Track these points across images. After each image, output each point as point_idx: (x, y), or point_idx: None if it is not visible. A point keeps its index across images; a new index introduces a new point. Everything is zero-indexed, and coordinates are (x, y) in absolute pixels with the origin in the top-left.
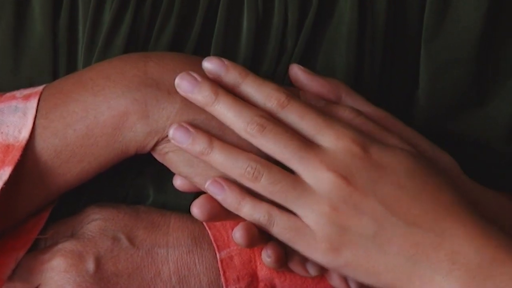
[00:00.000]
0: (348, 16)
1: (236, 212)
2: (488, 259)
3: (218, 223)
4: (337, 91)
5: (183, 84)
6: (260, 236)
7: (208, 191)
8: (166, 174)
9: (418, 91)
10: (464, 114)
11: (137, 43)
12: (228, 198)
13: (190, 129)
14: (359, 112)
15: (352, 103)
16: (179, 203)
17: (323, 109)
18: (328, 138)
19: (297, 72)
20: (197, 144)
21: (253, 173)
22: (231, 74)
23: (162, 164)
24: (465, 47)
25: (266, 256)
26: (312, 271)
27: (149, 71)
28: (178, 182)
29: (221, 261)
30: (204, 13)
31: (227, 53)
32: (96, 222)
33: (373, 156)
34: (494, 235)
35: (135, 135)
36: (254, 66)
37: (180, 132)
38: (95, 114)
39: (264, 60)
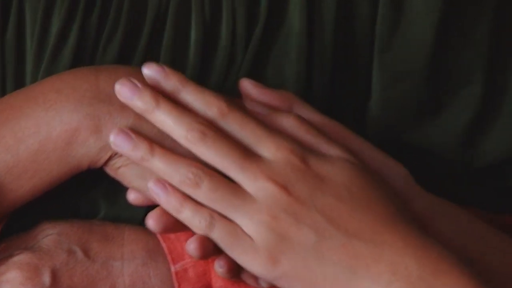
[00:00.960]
0: (297, 27)
1: (177, 216)
2: (429, 271)
3: (172, 236)
4: (288, 102)
5: (123, 90)
6: (213, 248)
7: (151, 192)
8: (118, 187)
9: (370, 102)
10: (418, 124)
11: (84, 56)
12: (171, 199)
13: (131, 134)
14: (302, 120)
15: (304, 114)
16: (132, 216)
17: (266, 117)
18: (268, 148)
19: (247, 86)
20: (138, 150)
21: (194, 180)
22: (170, 81)
23: (114, 178)
24: (418, 58)
25: (219, 267)
26: (264, 284)
27: (101, 85)
28: (132, 196)
29: (176, 273)
30: (152, 24)
31: (175, 64)
32: (51, 236)
33: (312, 167)
34: (435, 247)
35: (88, 150)
36: (203, 78)
37: (121, 137)
38: (47, 129)
39: (213, 71)
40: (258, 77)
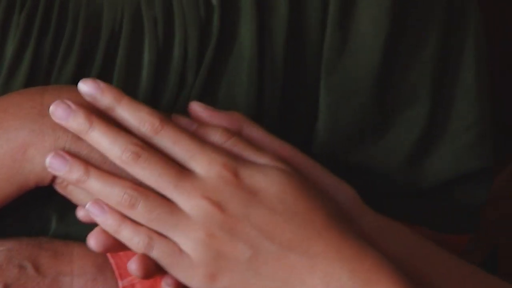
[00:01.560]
0: (248, 50)
1: (116, 236)
2: (361, 281)
3: (120, 252)
4: (238, 124)
5: (58, 111)
6: (155, 266)
7: (89, 213)
8: (68, 205)
9: (318, 123)
10: (365, 144)
11: (39, 77)
12: (108, 220)
13: (67, 157)
14: (230, 133)
15: (254, 134)
16: (81, 234)
17: (196, 132)
18: (200, 164)
19: (196, 109)
20: (73, 172)
21: (130, 201)
22: (106, 97)
23: (64, 196)
24: (364, 79)
25: (166, 284)
26: None
27: (45, 102)
28: (81, 214)
29: None
30: (106, 45)
31: (128, 85)
32: (2, 253)
33: (244, 181)
34: (369, 258)
35: (34, 167)
36: (155, 99)
37: (56, 160)
38: None
39: (165, 92)
40: (209, 98)
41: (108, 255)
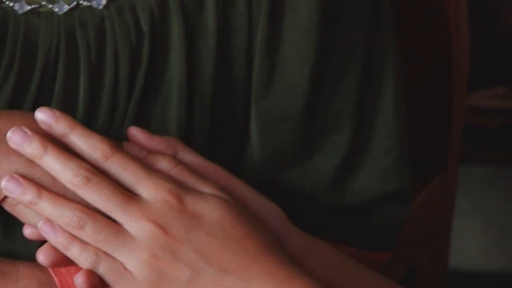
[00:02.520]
0: (178, 75)
1: (65, 253)
2: None
3: (63, 270)
4: (173, 148)
5: (14, 137)
6: (100, 281)
7: (40, 231)
8: (15, 222)
9: (248, 145)
10: (291, 167)
11: None
12: (59, 238)
13: (21, 180)
14: (176, 161)
15: (187, 158)
16: (26, 251)
17: (145, 159)
18: (147, 189)
19: (135, 134)
20: (27, 194)
21: (78, 222)
22: (60, 124)
23: (9, 213)
24: (292, 105)
25: None
26: None
27: None
28: (28, 231)
29: None
30: (43, 70)
31: (66, 108)
32: None
33: (188, 207)
34: (300, 281)
35: None
36: (90, 122)
37: (11, 183)
38: None
39: (99, 116)
40: (142, 121)
41: (52, 273)
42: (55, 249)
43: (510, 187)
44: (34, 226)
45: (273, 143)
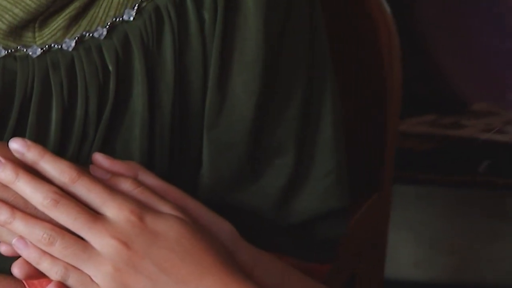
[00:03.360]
0: (140, 108)
1: (37, 267)
2: None
3: (36, 282)
4: (134, 171)
5: None
6: None
7: (14, 247)
8: None
9: (202, 169)
10: (240, 189)
11: None
12: (31, 254)
13: None
14: (137, 183)
15: (147, 180)
16: (1, 266)
17: (108, 181)
18: (111, 209)
19: (98, 159)
20: (1, 214)
21: (49, 239)
22: (31, 152)
23: None
24: (240, 133)
25: None
26: None
27: None
28: (3, 248)
29: None
30: (19, 105)
31: (39, 139)
32: None
33: (148, 225)
34: None
35: None
36: (62, 150)
37: None
38: None
39: (70, 145)
40: (108, 150)
41: (26, 285)
42: (28, 263)
43: (438, 205)
44: (9, 244)
45: (222, 167)
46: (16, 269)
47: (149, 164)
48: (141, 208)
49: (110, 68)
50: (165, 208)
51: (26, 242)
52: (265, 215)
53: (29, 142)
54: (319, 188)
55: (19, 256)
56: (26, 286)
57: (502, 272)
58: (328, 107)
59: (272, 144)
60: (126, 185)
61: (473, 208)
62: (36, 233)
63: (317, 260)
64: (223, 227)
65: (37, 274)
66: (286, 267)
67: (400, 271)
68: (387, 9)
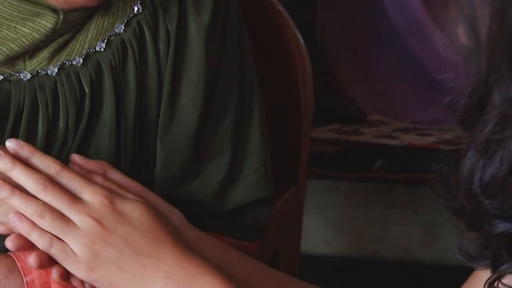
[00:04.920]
0: (109, 121)
1: (28, 237)
2: (190, 274)
3: (23, 257)
4: (103, 168)
5: None
6: (49, 261)
7: (10, 221)
8: None
9: (156, 169)
10: (186, 183)
11: None
12: (24, 226)
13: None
14: (108, 179)
15: (114, 176)
16: None
17: (86, 175)
18: (88, 194)
19: (75, 158)
20: (2, 191)
21: (40, 213)
22: (24, 150)
23: None
24: (186, 139)
25: (53, 274)
26: (87, 286)
27: None
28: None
29: (27, 283)
30: (13, 119)
31: (29, 143)
32: None
33: (117, 207)
34: (195, 260)
35: None
36: (46, 153)
37: None
38: None
39: (53, 149)
40: (83, 153)
41: (15, 259)
42: (18, 237)
43: (342, 195)
44: (3, 224)
45: (172, 167)
46: (9, 242)
47: (116, 164)
48: (111, 194)
49: (86, 89)
50: (130, 195)
51: (21, 217)
52: (206, 204)
53: (22, 142)
54: (250, 182)
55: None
56: (16, 260)
57: (392, 247)
58: (256, 118)
59: (212, 147)
60: (98, 179)
61: (369, 198)
62: (31, 208)
63: (247, 239)
64: (173, 213)
65: (25, 246)
66: (223, 245)
67: (312, 247)
68: (301, 41)
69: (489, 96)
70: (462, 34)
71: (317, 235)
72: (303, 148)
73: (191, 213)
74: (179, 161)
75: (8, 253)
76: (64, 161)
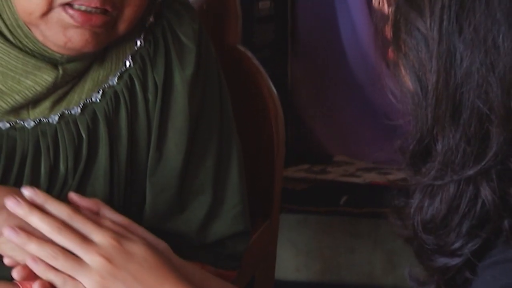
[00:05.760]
0: (104, 163)
1: (44, 277)
2: None
3: (28, 285)
4: (98, 206)
5: (9, 203)
6: None
7: (29, 264)
8: None
9: (145, 205)
10: (173, 218)
11: None
12: (40, 268)
13: (17, 230)
14: (114, 222)
15: (109, 214)
16: (4, 274)
17: (95, 219)
18: (97, 236)
19: (73, 197)
20: (20, 238)
21: (54, 256)
22: (39, 197)
23: None
24: (172, 178)
25: None
26: None
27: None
28: (7, 260)
29: None
30: (19, 163)
31: (33, 185)
32: None
33: (124, 246)
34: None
35: None
36: (48, 192)
37: (11, 232)
38: None
39: (54, 188)
40: (81, 192)
41: (20, 286)
42: (24, 268)
43: (312, 227)
44: (10, 257)
45: (160, 203)
46: (16, 273)
47: (109, 201)
48: (118, 235)
49: (83, 135)
50: (133, 237)
51: (37, 260)
52: (190, 237)
53: (37, 190)
54: (229, 217)
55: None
56: (20, 286)
57: (356, 274)
58: (234, 159)
59: (195, 186)
60: (107, 222)
61: (336, 229)
62: (46, 252)
63: (227, 268)
64: (160, 244)
65: (30, 277)
66: (205, 273)
67: (286, 274)
68: (274, 91)
69: (433, 145)
70: (410, 86)
71: (290, 263)
72: (276, 185)
73: (176, 245)
74: (166, 198)
75: (14, 281)
76: (64, 199)
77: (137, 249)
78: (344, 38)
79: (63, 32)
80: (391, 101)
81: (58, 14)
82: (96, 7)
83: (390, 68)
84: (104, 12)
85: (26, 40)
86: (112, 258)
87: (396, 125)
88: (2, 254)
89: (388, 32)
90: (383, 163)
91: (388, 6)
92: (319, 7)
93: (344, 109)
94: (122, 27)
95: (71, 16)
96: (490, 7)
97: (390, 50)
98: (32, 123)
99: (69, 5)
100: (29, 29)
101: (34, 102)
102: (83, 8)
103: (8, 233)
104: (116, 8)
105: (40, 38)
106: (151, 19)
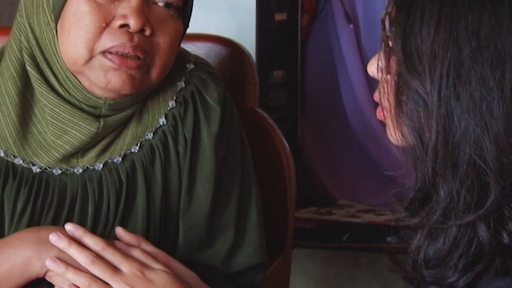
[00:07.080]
0: (141, 204)
1: None
2: None
3: None
4: (139, 241)
5: (53, 238)
6: None
7: None
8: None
9: (179, 240)
10: (202, 251)
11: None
12: None
13: (57, 261)
14: (142, 251)
15: (147, 248)
16: None
17: (125, 250)
18: (124, 266)
19: (119, 232)
20: (59, 269)
21: (88, 285)
22: (78, 232)
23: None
24: (201, 218)
25: None
26: None
27: (41, 235)
28: None
29: None
30: (69, 205)
31: (81, 223)
32: None
33: (146, 276)
34: None
35: (35, 269)
36: (94, 229)
37: (51, 262)
38: (14, 258)
39: (99, 226)
40: (123, 226)
41: None
42: None
43: (320, 259)
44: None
45: (190, 239)
46: None
47: (147, 237)
48: (143, 267)
49: (124, 180)
50: (158, 266)
51: (72, 287)
52: (217, 268)
53: (77, 226)
54: (249, 251)
55: None
56: None
57: None
58: (253, 202)
59: (220, 225)
60: (135, 253)
61: (340, 261)
62: (81, 281)
63: None
64: (190, 274)
65: None
66: None
67: None
68: (286, 145)
69: (434, 192)
70: (410, 141)
71: None
72: (289, 224)
73: (204, 275)
74: (196, 235)
75: None
76: (108, 235)
77: (158, 277)
78: (345, 102)
79: (104, 75)
80: (387, 154)
81: (99, 60)
82: (129, 52)
83: (386, 128)
84: (138, 58)
85: (74, 89)
86: (135, 286)
87: (390, 174)
88: (54, 284)
89: (379, 96)
90: (379, 205)
91: (386, 74)
92: (325, 76)
93: (345, 161)
94: (154, 73)
95: (110, 60)
96: (484, 76)
97: (384, 111)
98: (81, 170)
99: (108, 52)
100: (76, 78)
101: (82, 151)
102: (119, 53)
103: (48, 263)
104: (147, 55)
105: (86, 84)
106: (182, 84)
